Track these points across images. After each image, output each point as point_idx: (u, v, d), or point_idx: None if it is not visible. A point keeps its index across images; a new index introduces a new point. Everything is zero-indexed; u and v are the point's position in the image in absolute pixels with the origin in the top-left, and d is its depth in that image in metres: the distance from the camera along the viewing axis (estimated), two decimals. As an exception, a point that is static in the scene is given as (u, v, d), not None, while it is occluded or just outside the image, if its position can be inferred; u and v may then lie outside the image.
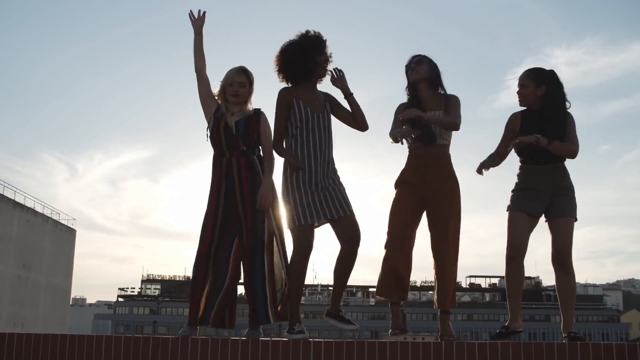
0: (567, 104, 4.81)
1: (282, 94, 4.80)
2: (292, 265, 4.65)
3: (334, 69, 4.87)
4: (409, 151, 4.94)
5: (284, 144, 4.81)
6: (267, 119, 4.82)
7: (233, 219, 4.70)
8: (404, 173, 4.92)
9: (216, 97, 4.86)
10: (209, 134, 4.79)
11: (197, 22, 4.88)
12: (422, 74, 4.90)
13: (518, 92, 4.88)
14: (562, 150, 4.69)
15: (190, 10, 4.87)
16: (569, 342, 4.21)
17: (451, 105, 4.86)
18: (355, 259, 4.70)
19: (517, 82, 4.89)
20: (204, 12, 4.87)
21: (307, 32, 4.82)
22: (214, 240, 4.66)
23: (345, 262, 4.69)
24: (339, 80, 4.87)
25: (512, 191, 4.86)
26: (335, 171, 4.80)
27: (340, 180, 4.80)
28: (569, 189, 4.77)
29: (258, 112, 4.83)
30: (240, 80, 4.80)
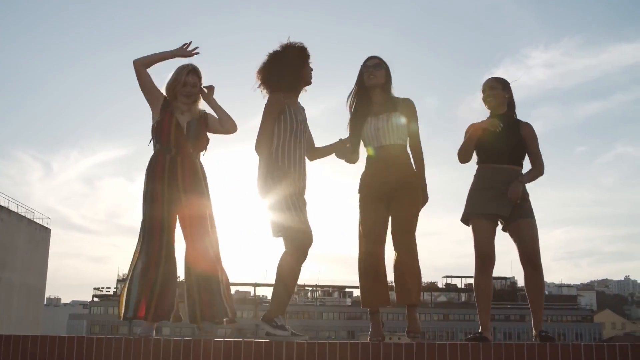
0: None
1: (276, 98, 4.80)
2: (292, 267, 4.68)
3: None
4: (369, 151, 4.92)
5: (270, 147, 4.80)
6: (214, 118, 4.89)
7: (176, 217, 4.74)
8: (364, 177, 4.91)
9: (164, 94, 4.86)
10: (154, 126, 4.78)
11: (184, 53, 4.83)
12: (380, 80, 4.90)
13: (486, 94, 4.94)
14: (534, 178, 4.84)
15: (189, 43, 4.85)
16: (540, 343, 4.25)
17: (412, 112, 4.89)
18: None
19: (483, 89, 4.98)
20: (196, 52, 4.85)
21: (293, 43, 4.88)
22: (162, 246, 4.66)
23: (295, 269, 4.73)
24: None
25: (470, 192, 4.86)
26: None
27: None
28: (527, 194, 4.80)
29: (205, 115, 4.89)
30: (192, 82, 4.83)
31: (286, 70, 4.82)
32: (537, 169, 4.87)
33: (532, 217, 4.77)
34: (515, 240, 4.78)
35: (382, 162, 4.83)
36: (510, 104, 4.98)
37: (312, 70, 4.94)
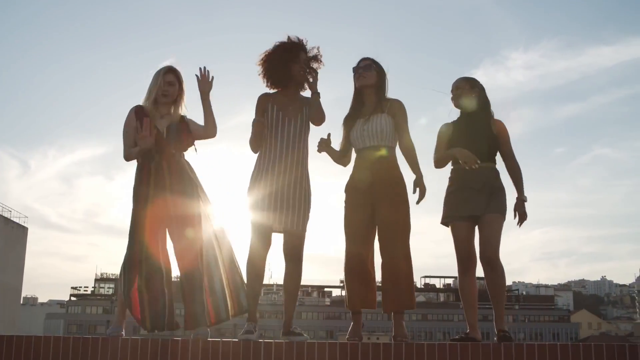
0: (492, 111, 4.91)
1: (259, 99, 4.91)
2: (251, 265, 4.71)
3: (310, 70, 4.90)
4: (356, 153, 4.92)
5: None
6: (194, 121, 4.87)
7: (161, 217, 4.64)
8: (350, 178, 4.90)
9: (145, 101, 4.76)
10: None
11: (203, 84, 4.77)
12: (370, 80, 4.88)
13: (453, 94, 4.92)
14: (522, 184, 4.82)
15: (198, 72, 4.77)
16: (499, 342, 4.24)
17: (400, 112, 4.85)
18: (301, 273, 4.85)
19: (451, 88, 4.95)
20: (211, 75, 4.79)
21: (287, 39, 4.92)
22: (143, 247, 4.57)
23: (294, 280, 4.82)
24: (313, 80, 4.90)
25: (446, 195, 4.85)
26: (307, 177, 4.85)
27: (310, 186, 4.85)
28: (502, 190, 4.79)
29: (185, 120, 4.83)
30: (168, 80, 4.76)
31: (273, 66, 4.88)
32: (516, 173, 4.83)
33: (498, 212, 4.70)
34: (479, 235, 4.73)
35: (366, 164, 4.80)
36: (481, 102, 4.90)
37: (302, 69, 4.87)
